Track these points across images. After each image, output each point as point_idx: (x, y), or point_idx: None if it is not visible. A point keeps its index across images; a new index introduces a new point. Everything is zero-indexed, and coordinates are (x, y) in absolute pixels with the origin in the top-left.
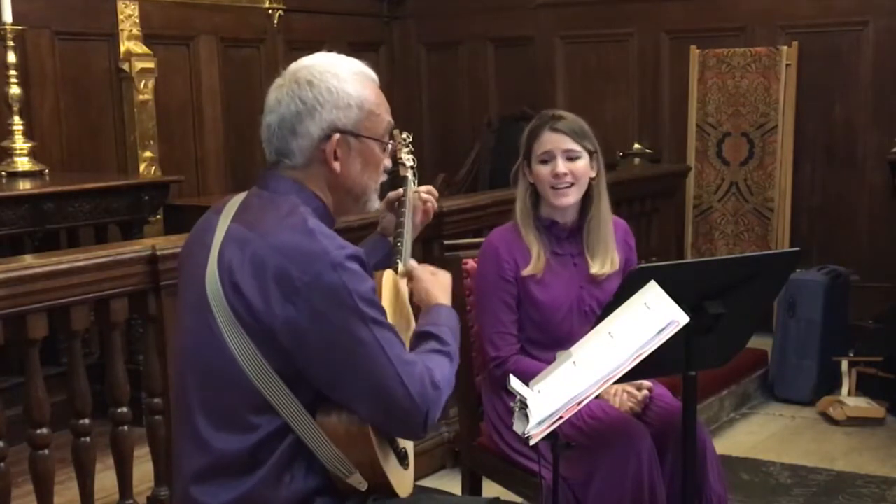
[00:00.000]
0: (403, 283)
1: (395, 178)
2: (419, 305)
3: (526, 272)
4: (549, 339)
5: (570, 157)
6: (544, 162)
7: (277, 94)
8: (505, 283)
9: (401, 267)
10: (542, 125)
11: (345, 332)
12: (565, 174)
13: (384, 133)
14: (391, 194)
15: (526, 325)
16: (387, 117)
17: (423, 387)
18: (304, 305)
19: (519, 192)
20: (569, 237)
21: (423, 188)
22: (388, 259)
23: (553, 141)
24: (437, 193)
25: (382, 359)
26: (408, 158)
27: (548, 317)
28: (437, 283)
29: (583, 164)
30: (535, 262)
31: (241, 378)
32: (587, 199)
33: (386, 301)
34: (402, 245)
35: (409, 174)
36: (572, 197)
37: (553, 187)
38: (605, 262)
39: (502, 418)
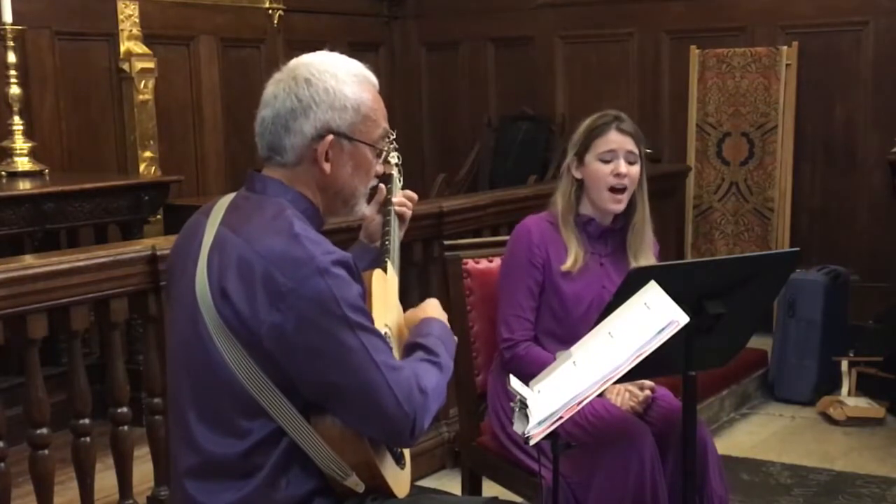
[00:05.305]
0: (393, 282)
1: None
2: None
3: (563, 268)
4: (564, 332)
5: (630, 160)
6: (605, 161)
7: (274, 89)
8: (532, 268)
9: (390, 266)
10: (608, 124)
11: (331, 338)
12: (625, 175)
13: (378, 139)
14: (377, 196)
15: (544, 314)
16: (383, 123)
17: (410, 392)
18: (290, 311)
19: (562, 187)
20: (600, 237)
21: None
22: (375, 264)
23: (618, 141)
24: (415, 197)
25: (369, 365)
26: (392, 156)
27: (568, 310)
28: (421, 309)
29: (638, 169)
30: (573, 260)
31: (233, 383)
32: (629, 203)
33: (376, 301)
34: (389, 243)
35: (395, 172)
36: (624, 203)
37: (611, 189)
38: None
39: (506, 410)
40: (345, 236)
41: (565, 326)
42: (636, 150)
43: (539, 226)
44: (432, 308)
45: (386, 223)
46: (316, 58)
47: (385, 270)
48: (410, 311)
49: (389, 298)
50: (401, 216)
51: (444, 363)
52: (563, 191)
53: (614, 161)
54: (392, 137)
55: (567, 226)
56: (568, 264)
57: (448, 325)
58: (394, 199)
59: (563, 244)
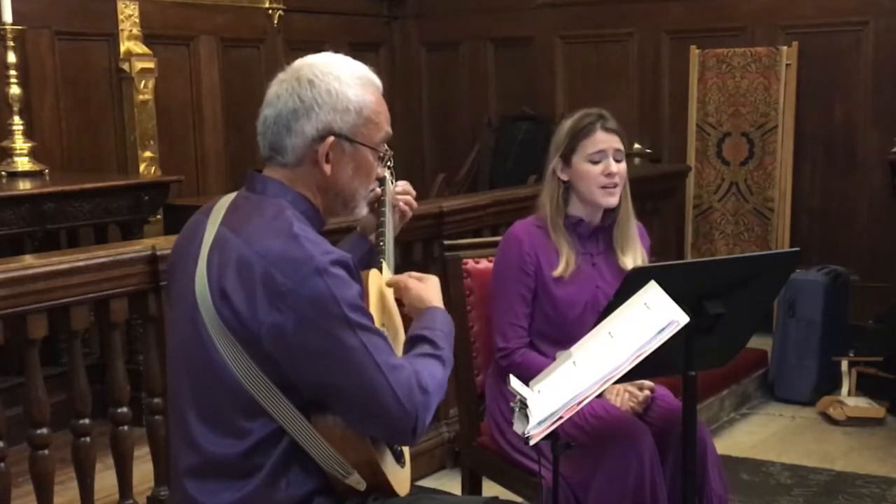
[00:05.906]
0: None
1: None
2: (410, 314)
3: (555, 273)
4: (560, 335)
5: (618, 158)
6: (594, 162)
7: (277, 89)
8: (524, 275)
9: (385, 266)
10: (593, 124)
11: (331, 338)
12: (616, 173)
13: (380, 142)
14: (370, 196)
15: (539, 319)
16: (385, 126)
17: (411, 391)
18: (289, 312)
19: (548, 190)
20: (590, 236)
21: (400, 185)
22: (369, 258)
23: (606, 140)
24: (413, 192)
25: (370, 364)
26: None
27: (563, 314)
28: (428, 288)
29: (625, 166)
30: (565, 265)
31: (233, 383)
32: None
33: (372, 301)
34: (384, 244)
35: (387, 173)
36: (617, 196)
37: (603, 186)
38: (636, 258)
39: (504, 415)
40: (344, 236)
41: (560, 330)
42: (622, 148)
43: (528, 231)
44: (434, 292)
45: (380, 224)
46: (320, 59)
47: (380, 270)
48: (414, 283)
49: (385, 298)
50: (402, 213)
51: (446, 356)
52: (549, 194)
53: (604, 161)
54: None
55: (557, 229)
56: (560, 269)
57: (445, 309)
58: (396, 190)
59: (553, 248)
